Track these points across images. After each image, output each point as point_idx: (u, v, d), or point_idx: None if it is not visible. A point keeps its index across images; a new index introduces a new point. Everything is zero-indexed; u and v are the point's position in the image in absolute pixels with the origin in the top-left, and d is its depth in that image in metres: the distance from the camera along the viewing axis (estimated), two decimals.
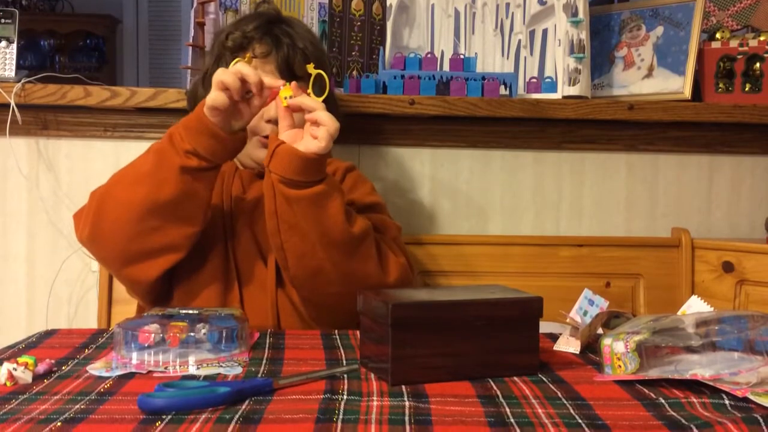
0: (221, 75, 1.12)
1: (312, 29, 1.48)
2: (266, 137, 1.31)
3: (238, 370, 0.92)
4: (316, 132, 1.13)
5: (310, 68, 1.26)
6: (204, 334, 0.97)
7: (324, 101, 1.31)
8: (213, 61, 1.36)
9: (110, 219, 1.19)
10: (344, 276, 1.19)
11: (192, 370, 0.92)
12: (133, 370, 0.91)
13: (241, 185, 1.37)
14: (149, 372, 0.91)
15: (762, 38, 1.77)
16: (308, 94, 1.26)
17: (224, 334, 0.98)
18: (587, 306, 1.08)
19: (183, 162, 1.15)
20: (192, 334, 0.97)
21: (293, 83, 1.15)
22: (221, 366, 0.93)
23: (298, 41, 1.34)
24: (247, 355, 0.99)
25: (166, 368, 0.92)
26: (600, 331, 1.08)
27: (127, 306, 1.55)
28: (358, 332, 0.99)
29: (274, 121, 1.29)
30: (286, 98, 1.14)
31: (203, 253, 1.29)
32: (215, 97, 1.12)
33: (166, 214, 1.17)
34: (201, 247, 1.28)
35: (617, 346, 0.89)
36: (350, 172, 1.44)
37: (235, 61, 1.25)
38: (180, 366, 0.92)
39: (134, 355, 0.94)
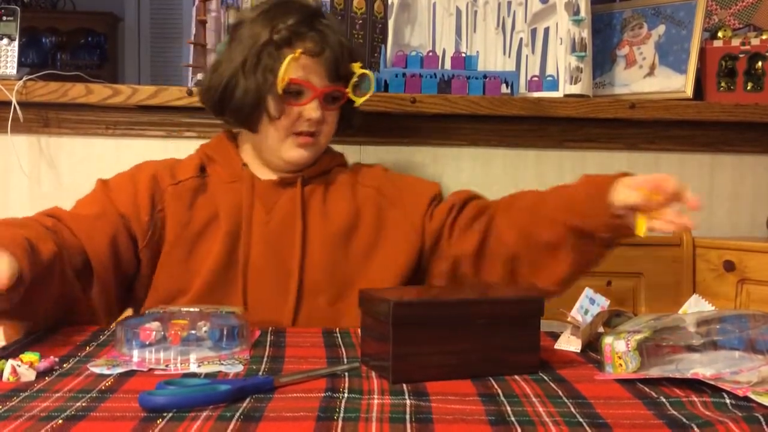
0: None
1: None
2: (300, 134, 1.28)
3: (239, 368, 0.92)
4: None
5: (356, 67, 1.27)
6: (205, 331, 0.98)
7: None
8: (254, 54, 1.25)
9: None
10: None
11: (193, 367, 0.92)
12: (134, 367, 0.91)
13: (262, 205, 1.30)
14: (150, 370, 0.91)
15: (764, 37, 1.77)
16: (345, 93, 1.29)
17: (225, 332, 0.99)
18: (588, 305, 1.08)
19: None
20: (193, 331, 0.97)
21: None
22: (222, 364, 0.93)
23: (344, 39, 1.29)
24: (248, 353, 0.99)
25: (167, 366, 0.92)
26: (601, 329, 1.08)
27: None
28: (359, 330, 0.99)
29: (315, 121, 1.27)
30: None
31: (214, 286, 1.25)
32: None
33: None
34: (212, 280, 1.25)
35: (618, 345, 0.89)
36: (389, 172, 1.42)
37: (291, 56, 1.22)
38: (181, 364, 0.92)
39: (135, 352, 0.94)
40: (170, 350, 0.94)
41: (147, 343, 0.95)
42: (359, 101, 1.31)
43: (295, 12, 1.27)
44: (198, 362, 0.93)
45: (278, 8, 1.29)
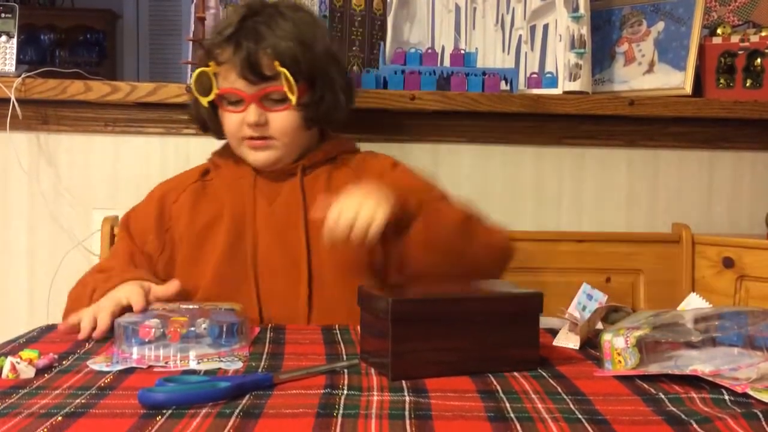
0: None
1: (312, 16, 1.40)
2: (251, 138, 1.30)
3: (239, 364, 0.92)
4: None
5: (277, 66, 1.26)
6: (204, 329, 0.98)
7: (318, 92, 1.31)
8: (195, 73, 1.34)
9: None
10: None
11: (192, 364, 0.92)
12: (134, 365, 0.91)
13: (264, 197, 1.33)
14: (150, 367, 0.91)
15: (763, 34, 1.77)
16: (287, 92, 1.27)
17: (225, 329, 0.99)
18: (586, 301, 1.08)
19: None
20: (192, 328, 0.97)
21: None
22: (222, 361, 0.93)
23: (266, 39, 1.26)
24: (247, 349, 0.99)
25: (166, 363, 0.92)
26: (599, 325, 1.08)
27: None
28: (358, 327, 1.00)
29: (254, 124, 1.28)
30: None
31: (224, 279, 1.27)
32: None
33: None
34: (221, 273, 1.27)
35: (617, 342, 0.90)
36: (397, 167, 1.39)
37: (198, 70, 1.29)
38: (181, 361, 0.92)
39: (135, 349, 0.94)
40: (170, 347, 0.94)
41: (146, 340, 0.95)
42: (293, 99, 1.28)
43: (226, 19, 1.32)
44: (197, 359, 0.93)
45: (225, 17, 1.37)
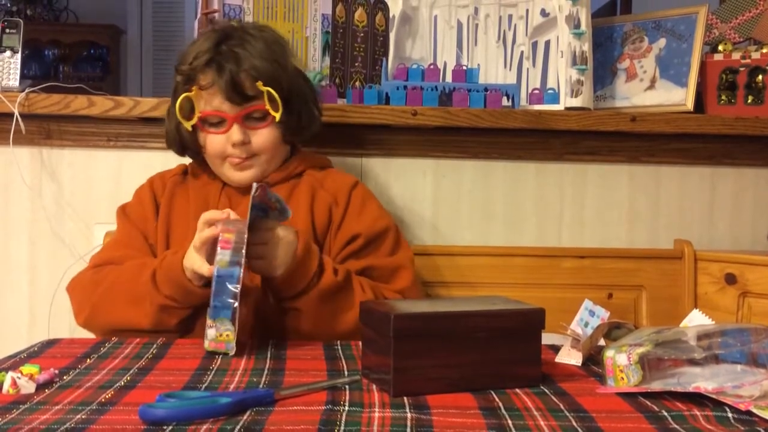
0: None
1: (276, 33, 1.42)
2: (234, 158, 1.34)
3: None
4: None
5: (260, 86, 1.30)
6: None
7: (295, 107, 1.36)
8: (173, 97, 1.36)
9: (100, 324, 1.28)
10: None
11: None
12: None
13: (229, 203, 1.37)
14: None
15: (764, 50, 1.77)
16: (268, 110, 1.31)
17: None
18: (588, 317, 1.08)
19: (163, 302, 1.20)
20: None
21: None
22: None
23: (245, 61, 1.30)
24: None
25: None
26: (602, 342, 1.07)
27: None
28: (359, 343, 0.99)
29: (239, 144, 1.32)
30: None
31: None
32: (201, 268, 1.12)
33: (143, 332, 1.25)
34: None
35: (620, 359, 0.89)
36: (355, 190, 1.42)
37: (183, 95, 1.31)
38: None
39: None
40: None
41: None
42: (277, 116, 1.32)
43: (203, 43, 1.33)
44: None
45: (194, 42, 1.37)
